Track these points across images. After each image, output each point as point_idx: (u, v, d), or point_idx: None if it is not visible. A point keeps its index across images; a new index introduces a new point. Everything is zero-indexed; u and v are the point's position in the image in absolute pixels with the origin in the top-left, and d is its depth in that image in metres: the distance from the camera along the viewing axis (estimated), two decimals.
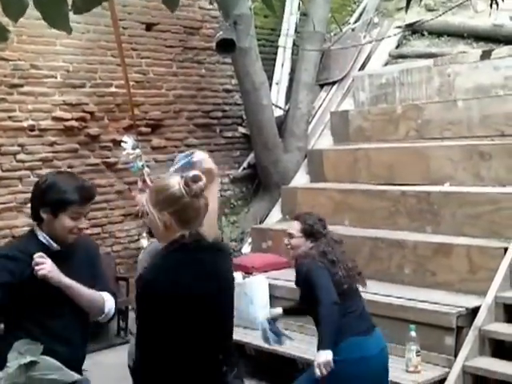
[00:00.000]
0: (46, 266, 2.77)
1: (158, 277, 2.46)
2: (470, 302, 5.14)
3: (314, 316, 3.76)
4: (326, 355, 3.49)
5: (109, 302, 3.02)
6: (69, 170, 7.11)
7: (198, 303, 2.46)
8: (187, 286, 2.46)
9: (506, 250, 5.25)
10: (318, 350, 3.55)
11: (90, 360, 6.14)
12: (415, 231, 6.09)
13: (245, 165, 8.62)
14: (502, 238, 5.44)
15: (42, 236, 2.91)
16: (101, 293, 3.00)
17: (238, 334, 5.47)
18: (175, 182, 2.48)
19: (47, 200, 2.87)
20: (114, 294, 3.09)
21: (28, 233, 3.03)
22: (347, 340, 3.66)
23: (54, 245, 2.91)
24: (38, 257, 2.79)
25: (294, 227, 4.01)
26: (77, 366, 2.94)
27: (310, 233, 3.94)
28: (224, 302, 2.59)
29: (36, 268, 2.77)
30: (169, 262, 2.50)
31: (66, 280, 2.84)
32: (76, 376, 1.84)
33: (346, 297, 3.75)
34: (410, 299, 5.34)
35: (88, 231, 7.21)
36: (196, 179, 2.48)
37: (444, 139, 6.74)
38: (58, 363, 2.13)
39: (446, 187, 6.25)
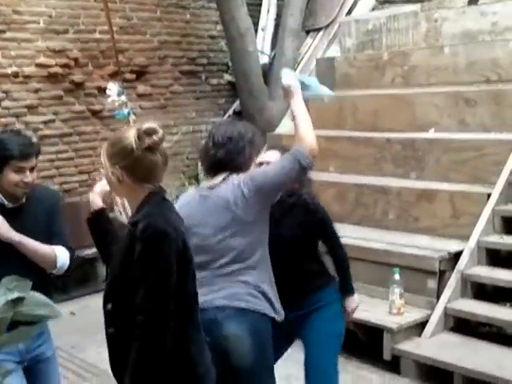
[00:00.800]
0: None
1: (168, 226, 2.30)
2: (453, 246, 5.23)
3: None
4: (358, 300, 3.58)
5: (61, 257, 3.07)
6: (54, 117, 7.10)
7: (190, 253, 2.40)
8: (185, 235, 2.38)
9: (489, 195, 5.32)
10: (347, 294, 3.55)
11: (79, 304, 6.27)
12: (400, 177, 6.14)
13: (230, 112, 8.60)
14: (485, 183, 5.49)
15: None
16: (54, 247, 3.05)
17: None
18: (130, 135, 2.34)
19: None
20: (70, 249, 3.13)
21: None
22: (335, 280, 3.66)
23: (6, 201, 3.02)
24: None
25: (273, 156, 3.35)
26: None
27: None
28: None
29: None
30: (165, 211, 2.37)
31: (16, 236, 2.94)
32: (64, 313, 1.87)
33: None
34: (394, 244, 5.43)
35: (75, 178, 7.22)
36: (150, 132, 2.33)
37: (430, 85, 6.75)
38: (46, 299, 2.14)
39: (431, 134, 6.28)
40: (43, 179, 7.00)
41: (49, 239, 3.06)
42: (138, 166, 2.34)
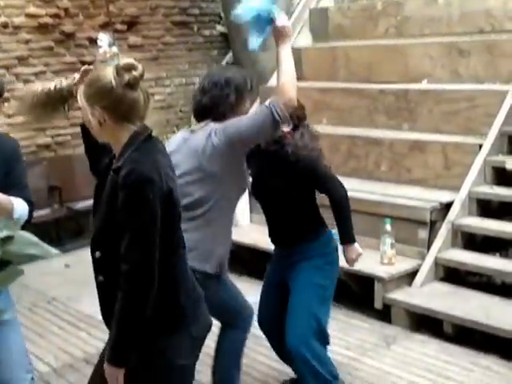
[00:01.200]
0: None
1: (152, 170, 2.19)
2: (444, 197, 5.26)
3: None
4: (358, 248, 3.52)
5: (19, 208, 2.82)
6: (45, 68, 7.04)
7: (175, 196, 2.32)
8: (171, 178, 2.30)
9: (480, 146, 5.34)
10: (347, 243, 3.50)
11: (74, 256, 6.30)
12: (392, 129, 6.15)
13: (223, 64, 8.53)
14: (477, 134, 5.51)
15: None
16: (12, 198, 2.80)
17: None
18: (108, 73, 2.20)
19: None
20: (29, 202, 2.89)
21: None
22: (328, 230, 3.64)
23: None
24: None
25: None
26: None
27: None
28: None
29: None
30: (148, 154, 2.24)
31: None
32: (54, 252, 1.83)
33: None
34: (386, 195, 5.46)
35: (69, 130, 7.19)
36: (129, 67, 2.21)
37: (423, 36, 6.70)
38: (35, 238, 2.07)
39: (424, 85, 6.27)
40: (35, 132, 6.99)
41: (6, 190, 2.80)
42: (118, 104, 2.21)
